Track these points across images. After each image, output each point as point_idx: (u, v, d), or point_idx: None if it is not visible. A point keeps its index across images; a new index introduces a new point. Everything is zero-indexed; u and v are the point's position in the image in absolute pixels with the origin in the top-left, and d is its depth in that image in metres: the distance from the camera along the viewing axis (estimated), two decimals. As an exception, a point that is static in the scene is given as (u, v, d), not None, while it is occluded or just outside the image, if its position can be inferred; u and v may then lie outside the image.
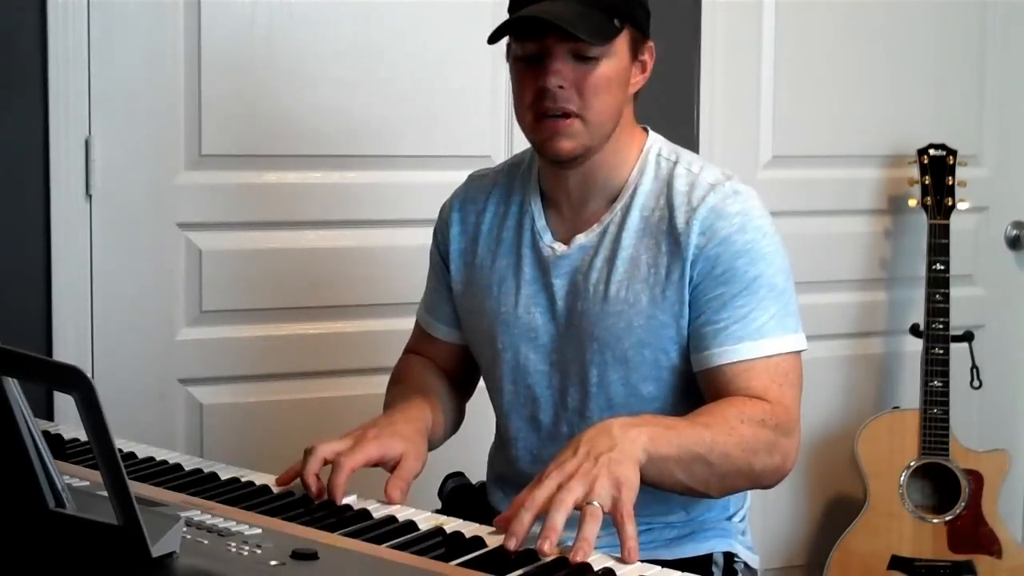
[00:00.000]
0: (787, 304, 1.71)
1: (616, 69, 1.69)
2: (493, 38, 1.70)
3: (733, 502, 1.85)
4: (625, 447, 1.47)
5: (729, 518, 1.85)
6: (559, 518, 1.36)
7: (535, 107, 1.70)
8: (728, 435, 1.58)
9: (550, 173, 1.80)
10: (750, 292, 1.68)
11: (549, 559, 1.36)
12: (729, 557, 1.81)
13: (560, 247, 1.78)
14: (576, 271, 1.76)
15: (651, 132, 1.82)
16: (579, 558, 1.33)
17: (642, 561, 1.38)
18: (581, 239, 1.77)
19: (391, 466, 1.65)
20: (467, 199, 1.91)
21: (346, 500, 1.56)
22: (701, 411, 1.63)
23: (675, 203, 1.71)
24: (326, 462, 1.61)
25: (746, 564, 1.84)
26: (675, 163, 1.76)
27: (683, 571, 1.34)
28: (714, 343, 1.68)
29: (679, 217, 1.70)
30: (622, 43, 1.70)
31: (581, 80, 1.67)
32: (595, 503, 1.39)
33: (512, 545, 1.35)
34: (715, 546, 1.80)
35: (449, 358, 1.96)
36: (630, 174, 1.77)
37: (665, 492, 1.60)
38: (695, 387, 1.73)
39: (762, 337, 1.67)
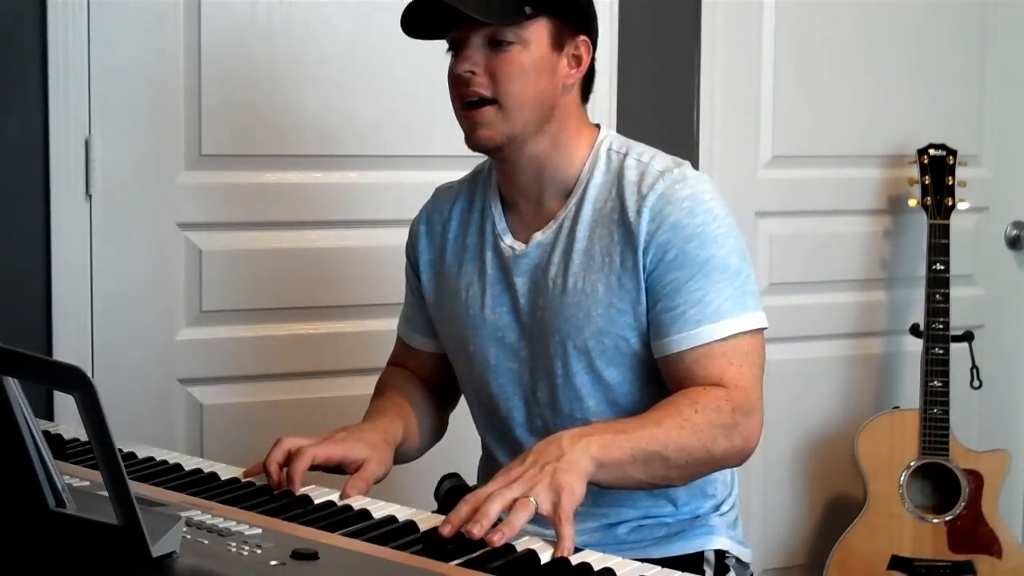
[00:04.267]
0: (743, 284, 1.71)
1: (533, 57, 1.71)
2: (404, 26, 1.75)
3: (720, 493, 1.86)
4: (573, 457, 1.50)
5: (718, 509, 1.85)
6: (493, 508, 1.41)
7: (456, 95, 1.75)
8: (682, 427, 1.61)
9: (503, 174, 1.83)
10: (703, 275, 1.69)
11: (550, 560, 1.37)
12: (720, 554, 1.82)
13: (519, 246, 1.81)
14: (536, 268, 1.79)
15: (603, 128, 1.84)
16: (496, 540, 1.38)
17: (638, 560, 1.39)
18: (539, 236, 1.79)
19: (353, 469, 1.69)
20: (433, 211, 1.95)
21: (303, 490, 1.59)
22: (655, 407, 1.66)
23: (625, 192, 1.73)
24: (290, 454, 1.66)
25: (738, 559, 1.85)
26: (625, 155, 1.78)
27: (674, 570, 1.34)
28: (672, 329, 1.69)
29: (630, 206, 1.72)
30: (539, 31, 1.72)
31: (494, 65, 1.71)
32: (531, 499, 1.43)
33: (446, 531, 1.41)
34: (706, 543, 1.81)
35: (430, 368, 2.00)
36: (582, 169, 1.79)
37: (635, 491, 1.66)
38: (658, 372, 1.74)
39: (719, 319, 1.68)
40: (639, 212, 1.71)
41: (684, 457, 1.62)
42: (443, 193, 1.97)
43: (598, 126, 1.85)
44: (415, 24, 1.76)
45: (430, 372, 2.00)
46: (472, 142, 1.76)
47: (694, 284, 1.69)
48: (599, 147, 1.80)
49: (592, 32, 1.79)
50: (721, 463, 1.70)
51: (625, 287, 1.72)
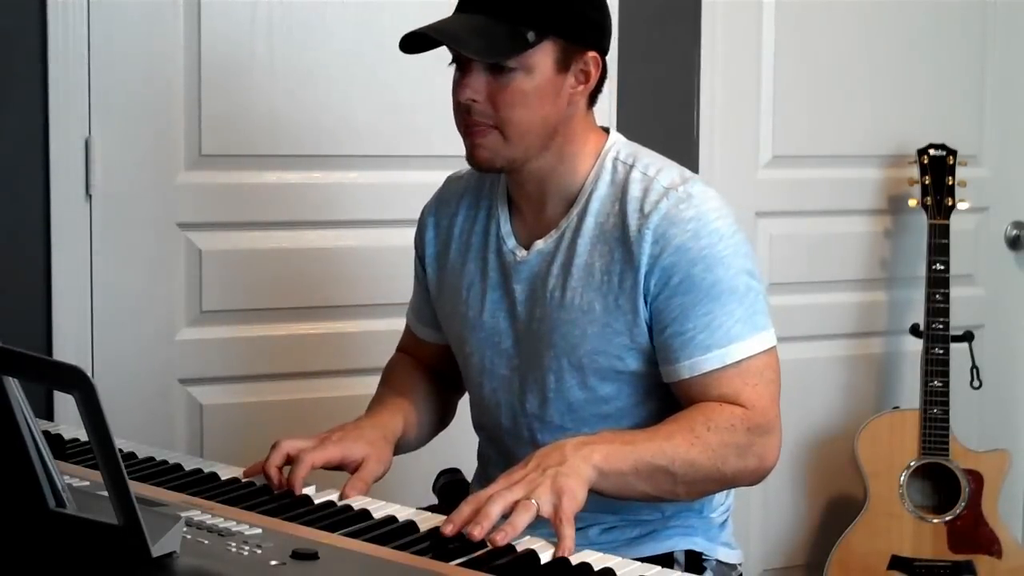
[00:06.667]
0: (752, 303, 1.68)
1: (536, 83, 1.66)
2: (404, 47, 1.70)
3: (715, 497, 1.83)
4: (575, 464, 1.50)
5: (700, 512, 1.82)
6: (494, 509, 1.42)
7: (458, 116, 1.71)
8: (692, 444, 1.59)
9: (509, 178, 1.79)
10: (711, 299, 1.66)
11: (550, 560, 1.37)
12: (695, 556, 1.79)
13: (521, 252, 1.78)
14: (535, 277, 1.76)
15: (612, 132, 1.80)
16: (499, 539, 1.38)
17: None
18: (540, 245, 1.76)
19: (352, 468, 1.69)
20: (442, 202, 1.92)
21: (305, 491, 1.60)
22: (668, 420, 1.64)
23: (628, 209, 1.69)
24: (289, 457, 1.66)
25: (719, 561, 1.82)
26: (631, 167, 1.73)
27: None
28: (683, 355, 1.67)
29: (632, 224, 1.68)
30: (543, 56, 1.66)
31: (495, 93, 1.66)
32: (533, 501, 1.43)
33: (447, 531, 1.41)
34: (676, 544, 1.78)
35: (436, 358, 1.99)
36: (587, 178, 1.75)
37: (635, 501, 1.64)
38: (657, 388, 1.72)
39: (730, 343, 1.66)
40: (640, 232, 1.67)
41: (692, 474, 1.60)
42: (452, 184, 1.93)
43: (606, 130, 1.80)
44: (413, 41, 1.69)
45: (436, 361, 1.98)
46: (471, 162, 1.72)
47: (702, 308, 1.66)
48: (605, 156, 1.75)
49: (603, 46, 1.73)
50: (733, 482, 1.69)
51: (622, 308, 1.69)
